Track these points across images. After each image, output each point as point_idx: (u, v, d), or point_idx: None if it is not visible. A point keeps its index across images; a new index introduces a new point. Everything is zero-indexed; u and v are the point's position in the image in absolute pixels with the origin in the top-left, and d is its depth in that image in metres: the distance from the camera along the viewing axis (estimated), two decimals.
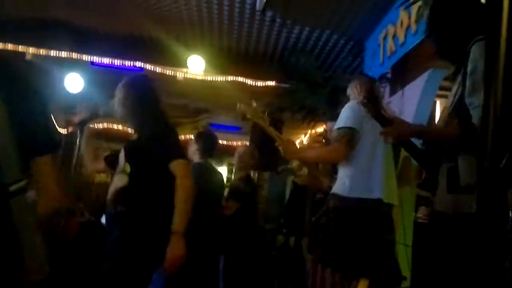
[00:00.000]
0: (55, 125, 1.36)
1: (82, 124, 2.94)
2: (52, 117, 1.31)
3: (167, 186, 1.94)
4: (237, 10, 4.73)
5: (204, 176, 3.14)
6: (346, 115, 2.17)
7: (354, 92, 2.37)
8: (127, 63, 5.68)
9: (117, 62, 5.68)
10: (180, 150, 2.09)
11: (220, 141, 4.52)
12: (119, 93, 2.15)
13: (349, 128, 2.13)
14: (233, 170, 4.17)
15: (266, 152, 3.29)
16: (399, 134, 1.66)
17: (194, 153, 3.30)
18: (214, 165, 3.54)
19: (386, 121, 1.67)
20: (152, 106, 2.15)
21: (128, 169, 2.15)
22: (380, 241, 2.10)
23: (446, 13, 1.63)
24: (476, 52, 1.46)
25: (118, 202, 2.28)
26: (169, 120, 2.19)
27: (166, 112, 2.20)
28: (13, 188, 1.03)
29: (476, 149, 1.37)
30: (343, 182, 2.16)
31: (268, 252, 4.36)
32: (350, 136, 2.12)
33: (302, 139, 6.96)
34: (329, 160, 2.40)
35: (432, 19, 1.70)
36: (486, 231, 0.84)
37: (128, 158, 2.18)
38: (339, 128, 2.16)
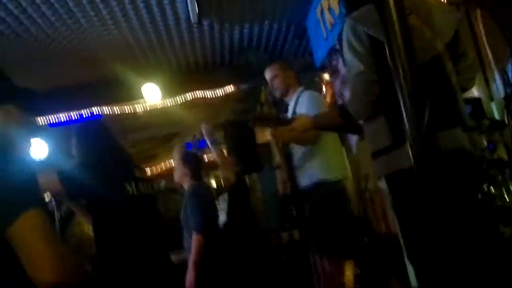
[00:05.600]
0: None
1: None
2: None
3: None
4: (173, 26, 4.70)
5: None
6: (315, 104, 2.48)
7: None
8: (84, 112, 5.58)
9: (73, 115, 5.58)
10: None
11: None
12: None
13: None
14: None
15: (247, 155, 3.29)
16: (302, 129, 1.79)
17: (183, 177, 3.18)
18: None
19: (287, 121, 1.88)
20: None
21: None
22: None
23: None
24: (344, 30, 1.50)
25: None
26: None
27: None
28: None
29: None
30: (323, 167, 2.34)
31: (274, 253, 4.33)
32: None
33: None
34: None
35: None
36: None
37: None
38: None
